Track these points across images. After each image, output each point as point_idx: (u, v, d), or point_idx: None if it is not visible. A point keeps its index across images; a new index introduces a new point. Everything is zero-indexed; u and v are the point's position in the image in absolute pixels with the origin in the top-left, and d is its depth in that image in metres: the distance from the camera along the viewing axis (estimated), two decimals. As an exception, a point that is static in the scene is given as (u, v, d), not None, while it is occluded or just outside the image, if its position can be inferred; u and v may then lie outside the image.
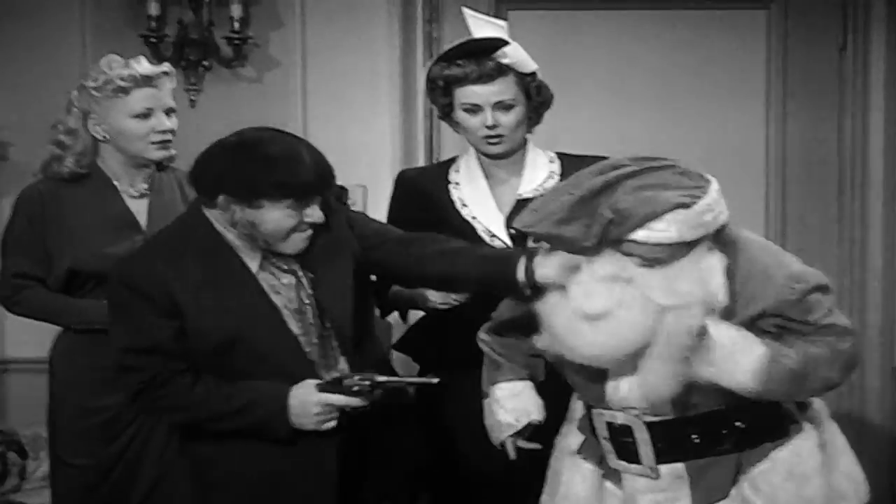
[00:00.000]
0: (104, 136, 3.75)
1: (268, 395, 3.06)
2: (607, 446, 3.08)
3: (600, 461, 3.13)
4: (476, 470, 3.59)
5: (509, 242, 3.59)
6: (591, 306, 2.84)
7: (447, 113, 3.70)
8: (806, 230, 5.06)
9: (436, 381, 3.08)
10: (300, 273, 3.12)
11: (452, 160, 3.82)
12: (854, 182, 5.00)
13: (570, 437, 3.21)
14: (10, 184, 4.76)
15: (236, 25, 4.90)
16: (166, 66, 3.80)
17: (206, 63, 4.98)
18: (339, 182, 3.20)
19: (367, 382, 3.05)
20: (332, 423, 3.06)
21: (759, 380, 2.89)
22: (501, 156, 3.69)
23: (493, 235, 3.65)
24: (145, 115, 3.72)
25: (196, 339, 3.05)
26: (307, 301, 3.11)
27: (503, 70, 3.59)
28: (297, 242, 3.08)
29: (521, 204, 3.66)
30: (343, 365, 3.14)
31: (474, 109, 3.61)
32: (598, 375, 3.00)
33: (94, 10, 4.99)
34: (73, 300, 3.71)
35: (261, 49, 5.01)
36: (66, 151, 3.75)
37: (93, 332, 3.67)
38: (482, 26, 3.65)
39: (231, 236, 3.08)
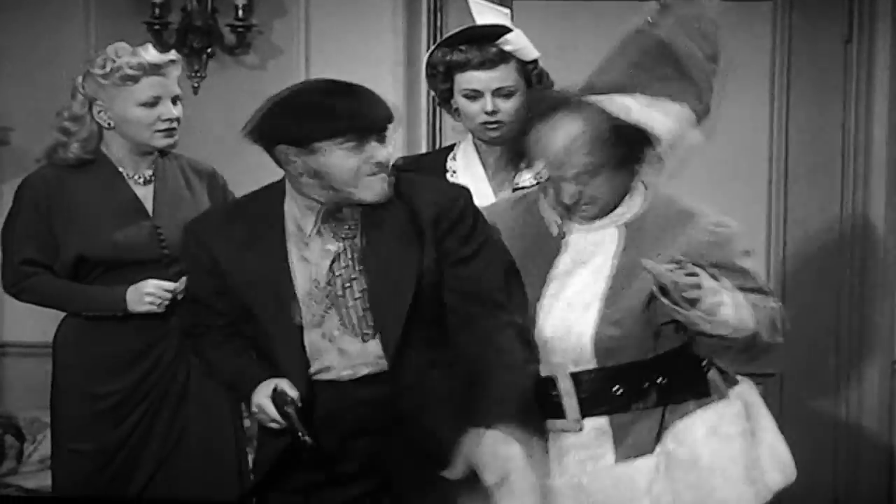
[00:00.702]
0: (109, 124, 3.75)
1: (247, 380, 3.02)
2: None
3: None
4: None
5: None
6: None
7: (446, 99, 3.69)
8: (809, 221, 5.06)
9: (310, 442, 2.88)
10: (346, 244, 2.97)
11: (450, 148, 3.81)
12: (857, 173, 5.00)
13: None
14: (11, 168, 4.77)
15: (240, 13, 4.92)
16: (173, 55, 3.79)
17: (209, 50, 4.98)
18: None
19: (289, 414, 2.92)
20: (270, 425, 2.95)
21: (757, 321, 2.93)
22: (499, 142, 3.69)
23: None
24: (152, 103, 3.71)
25: (230, 302, 3.05)
26: (339, 273, 2.98)
27: (505, 57, 3.59)
28: (374, 186, 2.91)
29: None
30: (376, 347, 2.97)
31: (474, 95, 3.61)
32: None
33: (98, -3, 5.00)
34: (82, 287, 3.72)
35: (264, 36, 5.01)
36: (70, 138, 3.74)
37: (98, 319, 3.69)
38: (485, 13, 3.66)
39: (290, 199, 2.99)
